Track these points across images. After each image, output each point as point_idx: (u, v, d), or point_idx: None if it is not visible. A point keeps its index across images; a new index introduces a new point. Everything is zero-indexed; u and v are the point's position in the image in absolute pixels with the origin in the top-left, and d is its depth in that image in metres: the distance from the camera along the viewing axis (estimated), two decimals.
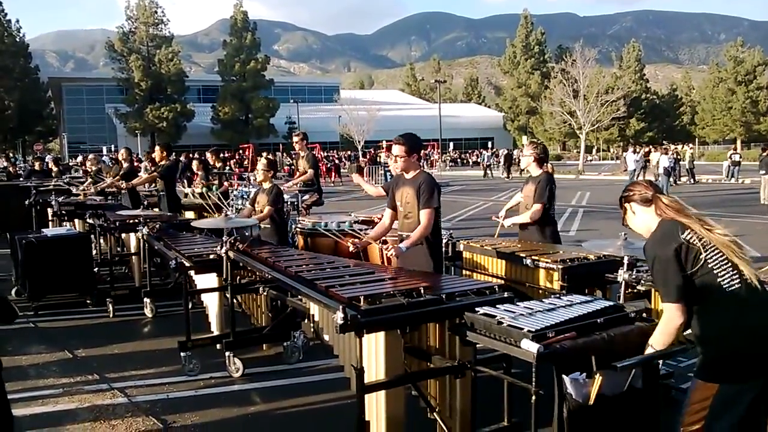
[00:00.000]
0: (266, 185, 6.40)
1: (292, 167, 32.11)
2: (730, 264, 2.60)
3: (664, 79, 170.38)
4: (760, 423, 2.63)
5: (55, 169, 13.24)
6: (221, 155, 12.05)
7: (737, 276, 2.59)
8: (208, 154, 10.95)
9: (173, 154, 9.50)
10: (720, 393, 2.56)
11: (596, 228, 12.73)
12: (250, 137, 53.71)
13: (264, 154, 8.43)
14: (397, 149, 4.49)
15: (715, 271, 2.59)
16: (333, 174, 33.05)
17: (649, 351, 2.68)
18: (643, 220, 2.84)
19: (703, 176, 29.10)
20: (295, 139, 9.31)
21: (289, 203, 8.81)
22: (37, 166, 14.79)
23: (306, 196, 8.91)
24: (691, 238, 2.62)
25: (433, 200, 4.41)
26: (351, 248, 4.62)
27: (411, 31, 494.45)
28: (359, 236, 4.72)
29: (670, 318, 2.61)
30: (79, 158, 32.44)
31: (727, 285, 2.58)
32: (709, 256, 2.60)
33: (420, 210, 4.41)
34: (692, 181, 27.36)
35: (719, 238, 2.63)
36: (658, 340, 2.67)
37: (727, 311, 2.58)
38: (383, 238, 5.00)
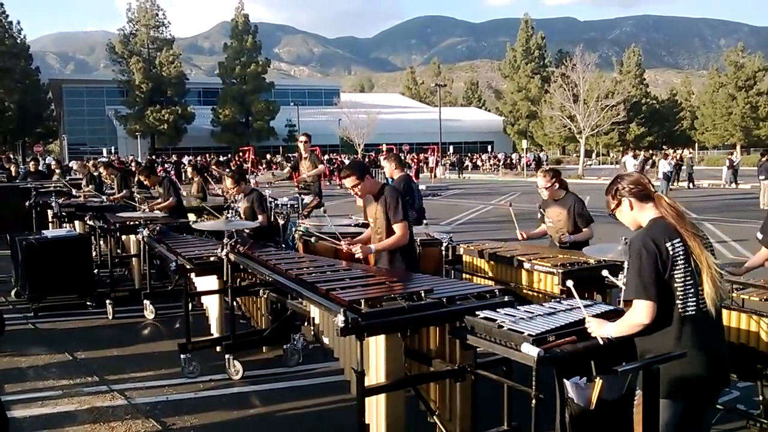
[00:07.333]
0: (244, 194, 6.66)
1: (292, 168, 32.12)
2: (693, 290, 2.58)
3: (664, 84, 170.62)
4: None
5: (57, 171, 13.15)
6: (221, 160, 11.98)
7: (694, 303, 2.58)
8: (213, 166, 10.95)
9: (155, 171, 9.53)
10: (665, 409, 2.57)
11: (596, 233, 12.70)
12: (250, 140, 53.73)
13: (226, 169, 8.20)
14: (349, 181, 4.61)
15: (677, 292, 2.57)
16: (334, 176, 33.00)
17: (604, 333, 2.62)
18: (636, 215, 2.77)
19: (703, 181, 29.15)
20: (303, 139, 9.29)
21: (289, 206, 8.83)
22: (31, 167, 14.56)
23: (307, 199, 8.92)
24: (678, 246, 2.58)
25: (401, 212, 4.52)
26: (358, 255, 4.66)
27: (412, 34, 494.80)
28: (339, 244, 4.84)
29: (637, 315, 2.55)
30: (72, 164, 32.49)
31: (681, 309, 2.57)
32: (679, 274, 2.56)
33: (392, 225, 4.53)
34: (691, 185, 27.38)
35: (706, 256, 2.60)
36: (617, 329, 2.61)
37: (671, 332, 2.57)
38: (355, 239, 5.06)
